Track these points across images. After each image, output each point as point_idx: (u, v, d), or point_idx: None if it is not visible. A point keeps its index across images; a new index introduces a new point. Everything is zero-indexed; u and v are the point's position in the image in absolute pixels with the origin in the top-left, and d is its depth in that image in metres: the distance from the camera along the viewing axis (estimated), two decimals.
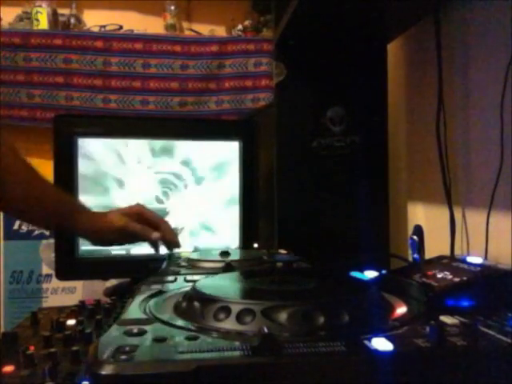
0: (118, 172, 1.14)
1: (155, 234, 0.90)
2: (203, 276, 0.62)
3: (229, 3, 2.20)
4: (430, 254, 0.86)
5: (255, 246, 1.01)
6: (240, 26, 2.15)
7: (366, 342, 0.39)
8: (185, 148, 1.16)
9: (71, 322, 0.71)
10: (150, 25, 2.15)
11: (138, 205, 0.94)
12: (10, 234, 1.73)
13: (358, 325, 0.43)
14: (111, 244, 0.96)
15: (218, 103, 1.94)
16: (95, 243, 0.93)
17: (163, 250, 0.94)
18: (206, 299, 0.47)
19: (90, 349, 0.39)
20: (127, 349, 0.37)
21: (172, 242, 0.93)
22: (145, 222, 0.90)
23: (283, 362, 0.36)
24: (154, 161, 1.15)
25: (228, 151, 1.18)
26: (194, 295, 0.49)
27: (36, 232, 1.74)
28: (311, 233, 1.14)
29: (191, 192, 1.16)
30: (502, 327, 0.42)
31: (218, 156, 1.18)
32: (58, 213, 0.88)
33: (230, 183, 1.18)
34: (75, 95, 1.87)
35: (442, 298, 0.51)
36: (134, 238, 0.92)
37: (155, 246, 0.93)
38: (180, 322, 0.45)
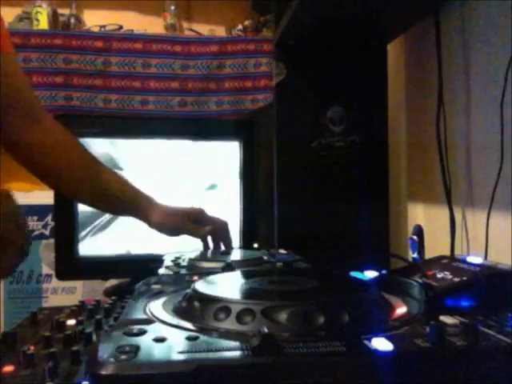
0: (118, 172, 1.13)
1: (207, 229, 0.94)
2: (203, 276, 0.62)
3: (229, 3, 2.20)
4: (430, 254, 0.86)
5: (255, 245, 1.01)
6: (240, 26, 2.14)
7: (366, 341, 0.39)
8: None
9: (71, 321, 0.71)
10: (149, 25, 2.14)
11: (199, 209, 0.98)
12: None
13: (358, 325, 0.43)
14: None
15: (218, 104, 1.93)
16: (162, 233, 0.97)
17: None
18: (206, 299, 0.47)
19: (89, 349, 0.39)
20: (127, 349, 0.37)
21: (225, 244, 0.96)
22: (202, 223, 0.95)
23: (283, 362, 0.36)
24: (155, 161, 1.15)
25: (228, 151, 1.18)
26: (194, 295, 0.49)
27: (36, 232, 1.73)
28: (311, 233, 1.14)
29: (192, 192, 1.16)
30: (501, 327, 0.42)
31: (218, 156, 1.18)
32: (126, 203, 0.93)
33: (229, 182, 1.18)
34: (75, 95, 1.87)
35: (442, 297, 0.51)
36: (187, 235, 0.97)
37: (205, 243, 0.96)
38: (180, 322, 0.45)
